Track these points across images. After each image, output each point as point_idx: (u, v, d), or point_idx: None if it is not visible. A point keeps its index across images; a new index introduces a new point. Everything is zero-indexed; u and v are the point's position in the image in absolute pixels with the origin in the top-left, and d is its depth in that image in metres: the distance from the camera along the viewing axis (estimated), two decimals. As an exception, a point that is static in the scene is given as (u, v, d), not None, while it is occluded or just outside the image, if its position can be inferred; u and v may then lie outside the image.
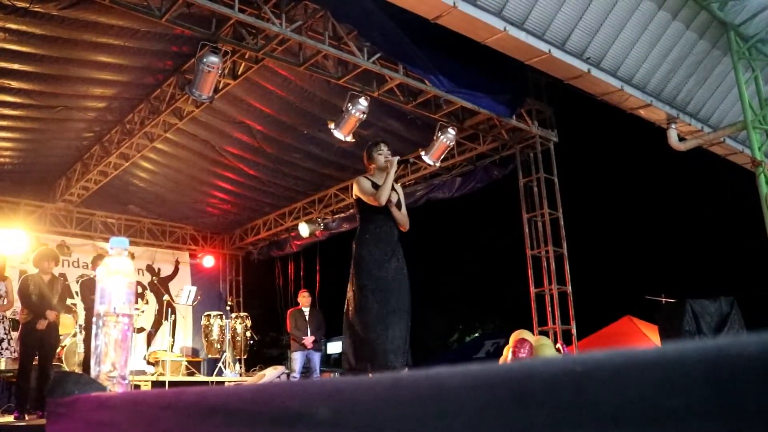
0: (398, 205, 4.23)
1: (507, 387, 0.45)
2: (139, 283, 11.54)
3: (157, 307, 11.93)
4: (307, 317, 8.69)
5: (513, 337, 6.87)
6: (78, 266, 11.33)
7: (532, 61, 7.00)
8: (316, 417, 0.59)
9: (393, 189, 4.19)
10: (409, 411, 0.51)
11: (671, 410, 0.46)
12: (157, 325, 11.79)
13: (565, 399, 0.43)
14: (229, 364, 9.87)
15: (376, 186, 4.11)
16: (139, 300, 11.29)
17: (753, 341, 0.46)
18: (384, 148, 4.26)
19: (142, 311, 11.28)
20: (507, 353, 6.80)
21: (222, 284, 13.84)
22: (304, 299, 8.88)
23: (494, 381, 0.46)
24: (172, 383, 8.46)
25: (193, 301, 10.80)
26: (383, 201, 4.02)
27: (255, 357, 12.05)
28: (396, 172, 4.21)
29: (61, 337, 7.45)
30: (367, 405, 0.54)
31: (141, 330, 11.44)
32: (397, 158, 4.17)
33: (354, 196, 4.21)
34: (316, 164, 10.15)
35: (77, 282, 9.91)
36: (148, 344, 11.48)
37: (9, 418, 6.48)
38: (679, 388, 0.45)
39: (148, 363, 10.12)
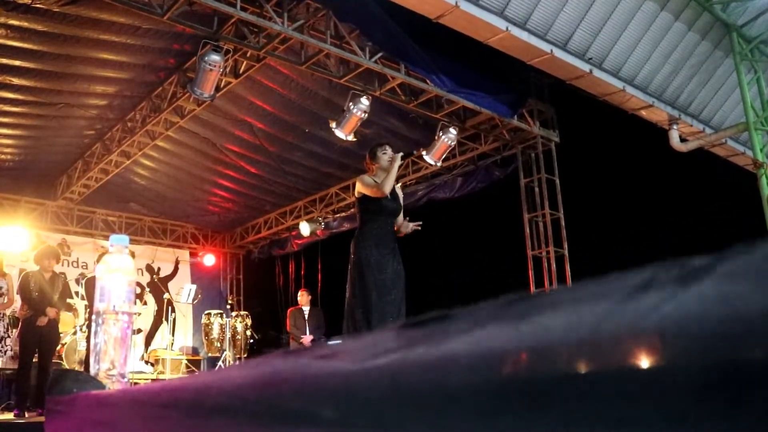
0: (400, 208, 4.26)
1: (513, 386, 0.45)
2: (137, 283, 11.51)
3: (156, 308, 11.91)
4: (306, 316, 8.68)
5: None
6: (77, 266, 11.31)
7: (534, 61, 6.99)
8: (321, 414, 0.58)
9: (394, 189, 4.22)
10: (416, 408, 0.51)
11: (679, 412, 0.45)
12: (156, 324, 11.77)
13: (572, 399, 0.42)
14: (229, 362, 9.87)
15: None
16: (137, 301, 11.27)
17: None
18: (388, 149, 4.28)
19: (139, 313, 11.27)
20: None
21: (222, 283, 13.84)
22: (303, 298, 8.87)
23: (500, 379, 0.45)
24: (171, 381, 8.46)
25: (194, 300, 10.80)
26: (387, 191, 4.04)
27: (255, 356, 12.02)
28: (399, 168, 4.23)
29: (61, 335, 7.45)
30: (372, 403, 0.54)
31: (138, 331, 11.42)
32: (401, 154, 4.18)
33: (357, 194, 4.21)
34: (318, 163, 10.15)
35: (77, 282, 9.92)
36: (146, 345, 11.47)
37: (9, 416, 6.48)
38: (687, 390, 0.45)
39: (146, 363, 10.11)
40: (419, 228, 4.32)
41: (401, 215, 4.35)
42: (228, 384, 0.76)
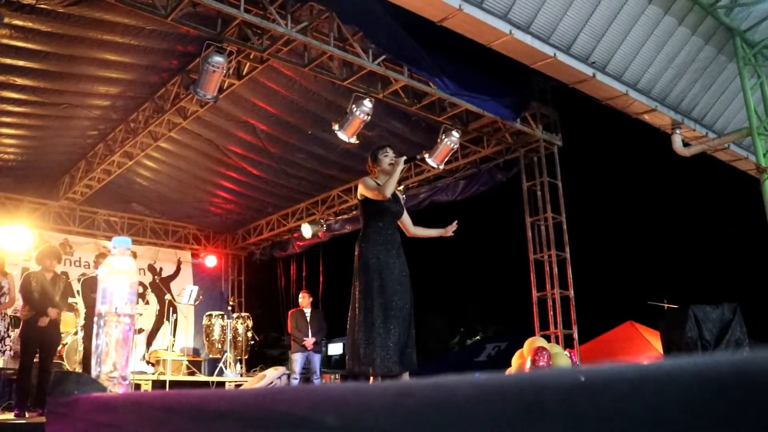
0: (402, 210, 4.26)
1: (520, 398, 0.44)
2: (140, 283, 11.55)
3: (158, 307, 11.92)
4: (308, 318, 8.67)
5: (528, 345, 6.68)
6: (80, 265, 11.34)
7: (537, 65, 6.99)
8: (322, 424, 0.58)
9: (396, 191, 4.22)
10: (417, 420, 0.50)
11: (687, 424, 0.45)
12: (158, 324, 11.78)
13: (580, 412, 0.42)
14: (230, 364, 9.87)
15: None
16: (140, 301, 11.30)
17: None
18: (390, 152, 4.27)
19: (141, 314, 11.28)
20: (519, 361, 6.65)
21: (224, 284, 13.84)
22: (304, 300, 8.86)
23: (506, 391, 0.45)
24: (172, 383, 8.47)
25: (195, 301, 10.80)
26: (388, 194, 4.03)
27: (256, 357, 12.05)
28: (402, 171, 4.23)
29: (62, 335, 7.44)
30: (374, 413, 0.53)
31: (140, 331, 11.43)
32: (404, 158, 4.17)
33: (360, 196, 4.20)
34: (320, 165, 10.15)
35: (79, 281, 9.93)
36: (148, 345, 11.48)
37: (9, 416, 6.48)
38: (695, 402, 0.44)
39: (148, 363, 10.11)
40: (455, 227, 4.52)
41: (408, 218, 4.36)
42: (230, 391, 0.75)
